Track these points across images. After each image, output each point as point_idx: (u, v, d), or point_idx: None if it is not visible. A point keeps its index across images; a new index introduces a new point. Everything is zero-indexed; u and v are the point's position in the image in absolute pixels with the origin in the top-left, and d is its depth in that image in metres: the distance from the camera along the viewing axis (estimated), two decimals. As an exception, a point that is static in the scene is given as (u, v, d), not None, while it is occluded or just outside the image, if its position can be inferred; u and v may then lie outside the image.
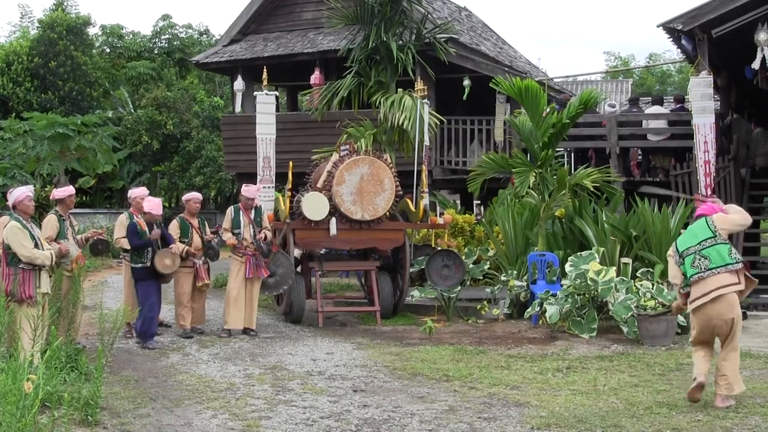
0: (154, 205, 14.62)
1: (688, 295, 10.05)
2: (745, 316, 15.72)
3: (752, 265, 21.19)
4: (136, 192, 15.25)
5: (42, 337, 9.77)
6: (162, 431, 9.04)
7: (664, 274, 15.85)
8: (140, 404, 10.14)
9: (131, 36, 47.22)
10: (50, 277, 11.71)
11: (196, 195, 15.99)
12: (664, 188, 20.02)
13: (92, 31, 45.10)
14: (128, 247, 14.56)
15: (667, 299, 14.55)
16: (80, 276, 12.05)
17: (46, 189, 30.75)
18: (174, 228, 15.22)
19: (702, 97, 18.41)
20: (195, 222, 15.55)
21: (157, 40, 46.64)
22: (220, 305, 16.62)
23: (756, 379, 11.40)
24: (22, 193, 11.69)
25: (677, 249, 10.14)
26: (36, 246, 11.32)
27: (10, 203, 11.84)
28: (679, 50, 21.93)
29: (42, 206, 27.58)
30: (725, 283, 9.79)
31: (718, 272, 9.82)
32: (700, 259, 9.89)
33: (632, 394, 10.60)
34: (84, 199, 38.77)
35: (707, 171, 18.21)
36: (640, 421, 9.23)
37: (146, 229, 14.41)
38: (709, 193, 18.11)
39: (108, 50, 46.50)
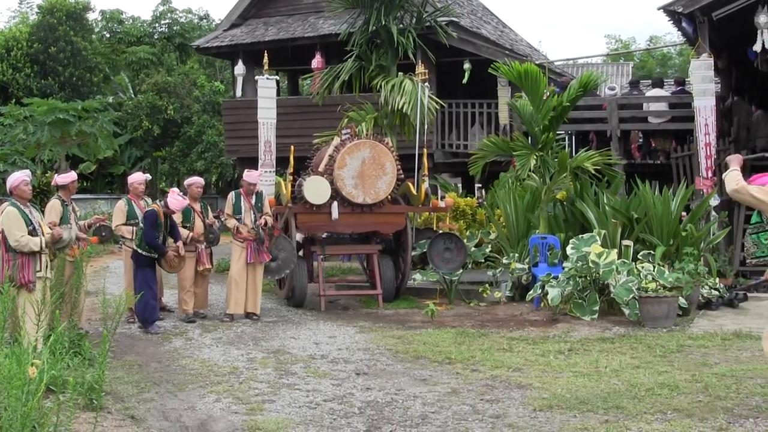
0: (178, 205, 14.48)
1: None
2: (745, 298, 15.81)
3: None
4: (135, 177, 15.28)
5: (45, 323, 9.79)
6: (166, 415, 9.06)
7: (665, 256, 15.92)
8: (144, 389, 10.17)
9: (131, 21, 47.25)
10: (51, 261, 11.74)
11: (197, 180, 16.00)
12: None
13: (92, 16, 45.25)
14: (128, 236, 14.62)
15: (667, 281, 14.59)
16: (82, 261, 12.06)
17: (47, 175, 30.83)
18: (176, 214, 15.19)
19: (703, 79, 18.44)
20: (197, 206, 15.58)
21: (157, 24, 46.66)
22: (223, 290, 16.67)
23: (757, 359, 11.42)
24: (17, 178, 11.67)
25: None
26: (33, 231, 11.34)
27: (7, 188, 11.86)
28: (679, 33, 21.92)
29: (43, 192, 27.68)
30: None
31: None
32: None
33: (634, 375, 10.62)
34: (85, 184, 38.89)
35: (708, 153, 18.24)
36: (642, 403, 9.24)
37: (163, 220, 14.32)
38: (710, 175, 18.14)
39: (108, 35, 46.55)
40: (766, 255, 9.46)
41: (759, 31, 17.55)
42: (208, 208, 16.05)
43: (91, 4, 43.85)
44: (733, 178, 8.68)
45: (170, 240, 14.54)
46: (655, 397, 9.52)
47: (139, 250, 14.33)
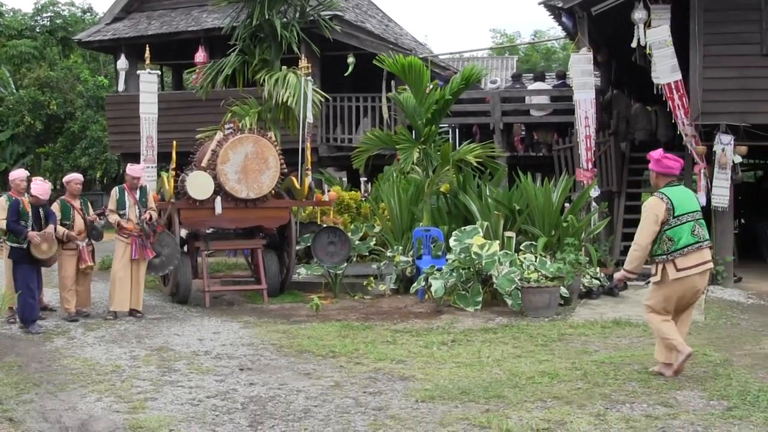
0: (42, 190, 14.32)
1: (663, 263, 9.85)
2: (625, 286, 16.13)
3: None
4: (15, 174, 15.00)
5: None
6: (46, 416, 8.93)
7: (546, 247, 16.16)
8: (23, 390, 10.00)
9: (11, 14, 46.24)
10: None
11: (76, 176, 15.75)
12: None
13: (-31, 8, 44.19)
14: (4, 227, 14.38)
15: (549, 271, 14.82)
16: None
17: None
18: (55, 210, 14.97)
19: (582, 73, 18.72)
20: (77, 203, 15.33)
21: (38, 17, 45.72)
22: (106, 287, 16.45)
23: (634, 346, 11.72)
24: None
25: (673, 210, 9.77)
26: None
27: None
28: (560, 27, 22.21)
29: None
30: (709, 258, 9.98)
31: (709, 245, 10.01)
32: (699, 229, 9.87)
33: (515, 364, 10.78)
34: (-36, 181, 38.10)
35: (588, 145, 18.54)
36: (522, 391, 9.39)
37: (29, 210, 14.15)
38: (590, 167, 18.44)
39: (-13, 28, 45.58)
40: (660, 253, 9.77)
41: (636, 27, 17.87)
42: (89, 204, 15.80)
43: (-32, -4, 43.07)
44: (632, 258, 10.11)
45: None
46: (535, 385, 9.67)
47: (9, 243, 14.14)
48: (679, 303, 9.96)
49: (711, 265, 10.02)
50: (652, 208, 9.82)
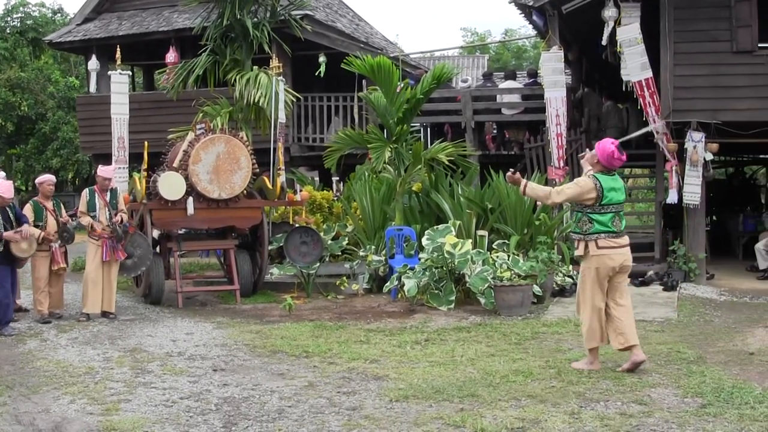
0: (4, 188, 14.31)
1: (585, 241, 10.30)
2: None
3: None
4: (-15, 177, 14.97)
5: None
6: (19, 419, 8.90)
7: (519, 245, 16.20)
8: (-4, 392, 10.00)
9: (-19, 15, 45.98)
10: None
11: (49, 177, 15.69)
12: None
13: (-62, 8, 43.84)
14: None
15: (522, 269, 14.88)
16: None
17: None
18: (27, 212, 14.86)
19: (553, 71, 18.75)
20: (49, 205, 15.26)
21: (9, 18, 45.40)
22: (79, 289, 16.39)
23: (607, 345, 11.73)
24: None
25: (601, 196, 10.18)
26: None
27: None
28: (531, 26, 22.26)
29: None
30: (627, 243, 10.43)
31: (625, 234, 10.51)
32: (617, 221, 10.30)
33: (489, 363, 10.81)
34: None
35: (560, 144, 18.58)
36: (497, 390, 9.42)
37: None
38: (562, 165, 18.48)
39: (-43, 30, 45.25)
40: (578, 231, 10.40)
41: (606, 25, 17.93)
42: (61, 206, 15.74)
43: (-64, -3, 42.71)
44: (539, 190, 10.64)
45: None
46: (509, 384, 9.70)
47: None
48: (609, 279, 10.34)
49: (628, 249, 10.43)
50: (583, 183, 10.28)
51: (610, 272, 10.24)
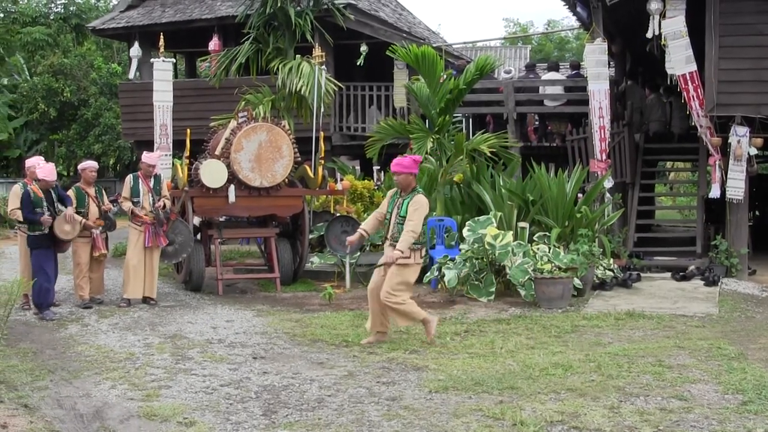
0: (47, 171, 14.38)
1: (419, 251, 11.81)
2: (639, 278, 16.13)
3: (648, 228, 21.65)
4: (31, 161, 15.02)
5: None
6: (60, 403, 8.96)
7: (560, 238, 16.11)
8: (38, 377, 10.03)
9: (25, 1, 46.20)
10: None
11: (91, 163, 15.74)
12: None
13: (-16, -4, 44.16)
14: (22, 219, 14.38)
15: (563, 262, 14.80)
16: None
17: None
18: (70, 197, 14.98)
19: (597, 63, 18.63)
20: (91, 191, 15.31)
21: (52, 5, 45.66)
22: (120, 275, 16.50)
23: (648, 338, 11.69)
24: None
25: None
26: None
27: None
28: (575, 17, 22.15)
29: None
30: None
31: None
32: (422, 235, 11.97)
33: (528, 356, 10.77)
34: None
35: (602, 136, 18.47)
36: (536, 383, 9.38)
37: (42, 195, 14.18)
38: (604, 158, 18.39)
39: (2, 15, 45.49)
40: (416, 242, 11.81)
41: (651, 17, 17.79)
42: (103, 192, 15.81)
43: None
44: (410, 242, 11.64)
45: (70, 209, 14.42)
46: (549, 377, 9.66)
47: (28, 232, 14.22)
48: None
49: None
50: (426, 204, 11.94)
51: None
